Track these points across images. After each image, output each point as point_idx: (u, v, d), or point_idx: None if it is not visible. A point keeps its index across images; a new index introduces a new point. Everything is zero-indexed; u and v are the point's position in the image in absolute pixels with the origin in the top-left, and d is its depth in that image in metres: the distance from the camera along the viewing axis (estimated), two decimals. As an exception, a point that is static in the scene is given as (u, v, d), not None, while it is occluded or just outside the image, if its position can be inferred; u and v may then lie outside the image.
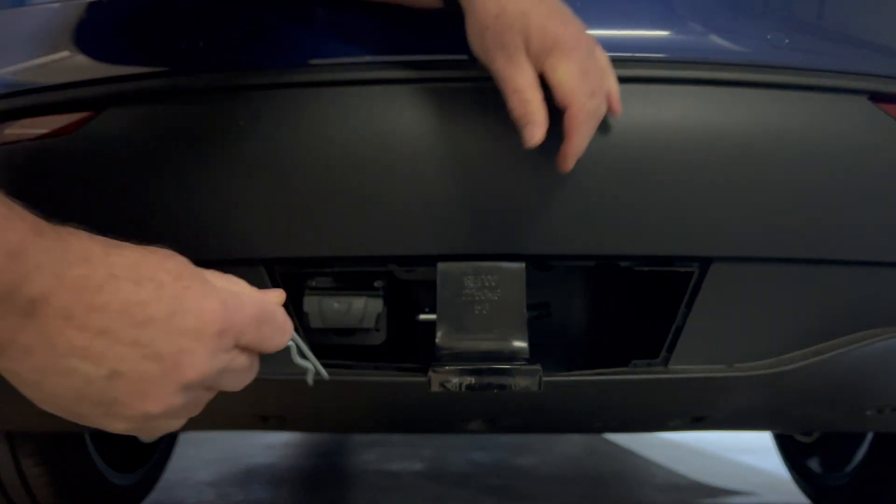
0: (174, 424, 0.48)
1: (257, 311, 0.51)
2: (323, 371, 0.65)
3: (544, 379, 0.79)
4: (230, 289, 0.51)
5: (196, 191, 0.80)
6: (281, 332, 0.55)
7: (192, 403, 0.48)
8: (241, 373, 0.51)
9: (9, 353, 0.39)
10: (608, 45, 0.79)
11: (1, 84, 0.85)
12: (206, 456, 2.31)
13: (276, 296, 0.58)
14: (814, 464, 1.70)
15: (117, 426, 0.45)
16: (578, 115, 0.71)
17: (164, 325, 0.43)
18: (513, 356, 0.82)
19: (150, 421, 0.45)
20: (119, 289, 0.42)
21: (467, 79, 0.78)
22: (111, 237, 0.47)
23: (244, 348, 0.51)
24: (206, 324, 0.46)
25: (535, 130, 0.70)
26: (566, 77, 0.70)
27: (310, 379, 0.64)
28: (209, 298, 0.47)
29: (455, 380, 0.79)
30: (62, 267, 0.40)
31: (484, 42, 0.71)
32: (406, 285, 0.98)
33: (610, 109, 0.76)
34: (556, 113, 0.72)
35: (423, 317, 0.88)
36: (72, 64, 0.84)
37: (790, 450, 1.78)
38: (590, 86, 0.71)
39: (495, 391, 0.79)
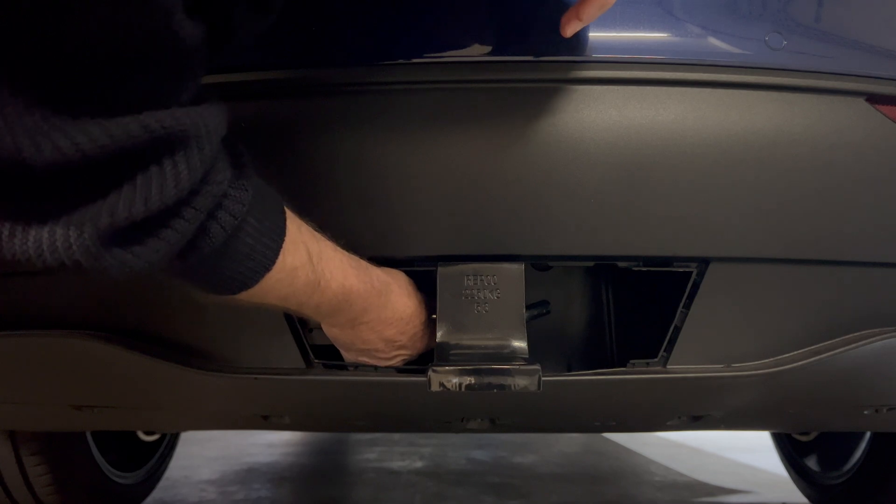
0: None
1: (427, 312, 0.88)
2: None
3: (543, 379, 0.79)
4: (420, 296, 0.87)
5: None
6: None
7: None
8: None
9: (338, 334, 0.84)
10: (607, 46, 0.79)
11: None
12: (207, 454, 2.31)
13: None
14: (812, 463, 1.71)
15: (381, 364, 0.89)
16: None
17: (402, 327, 0.85)
18: (512, 356, 0.83)
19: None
20: (395, 309, 0.83)
21: (466, 81, 0.79)
22: None
23: None
24: (414, 324, 0.87)
25: None
26: None
27: None
28: (415, 308, 0.86)
29: (455, 379, 0.79)
30: (372, 301, 0.79)
31: None
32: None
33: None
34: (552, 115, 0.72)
35: (423, 317, 0.88)
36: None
37: (788, 449, 1.79)
38: None
39: (495, 391, 0.79)
